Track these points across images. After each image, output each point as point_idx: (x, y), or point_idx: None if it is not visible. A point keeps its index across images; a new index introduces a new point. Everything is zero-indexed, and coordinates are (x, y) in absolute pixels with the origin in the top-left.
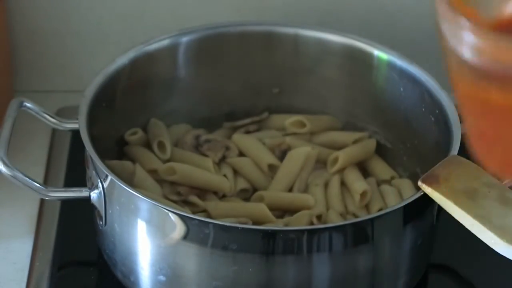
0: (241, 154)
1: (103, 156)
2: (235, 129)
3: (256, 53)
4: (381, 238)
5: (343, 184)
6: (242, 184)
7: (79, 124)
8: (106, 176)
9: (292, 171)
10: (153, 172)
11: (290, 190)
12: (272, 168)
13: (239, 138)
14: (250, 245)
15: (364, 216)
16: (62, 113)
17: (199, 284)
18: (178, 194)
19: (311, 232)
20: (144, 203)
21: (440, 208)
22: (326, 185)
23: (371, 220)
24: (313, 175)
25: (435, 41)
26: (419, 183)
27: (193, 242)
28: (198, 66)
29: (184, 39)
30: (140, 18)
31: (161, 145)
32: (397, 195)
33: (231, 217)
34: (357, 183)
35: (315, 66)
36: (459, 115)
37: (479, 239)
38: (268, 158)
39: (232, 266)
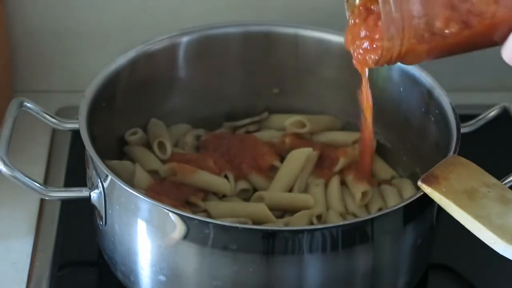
0: None
1: (103, 156)
2: (235, 129)
3: (256, 53)
4: (381, 238)
5: (343, 184)
6: (242, 184)
7: (79, 124)
8: (106, 176)
9: (292, 172)
10: (153, 172)
11: (290, 190)
12: (272, 168)
13: None
14: (250, 245)
15: (364, 216)
16: (62, 113)
17: (199, 284)
18: None
19: (311, 232)
20: (144, 203)
21: (440, 208)
22: (326, 185)
23: (371, 220)
24: (313, 175)
25: None
26: (419, 183)
27: (193, 242)
28: (198, 66)
29: (184, 39)
30: (140, 18)
31: (161, 145)
32: (397, 195)
33: (231, 217)
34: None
35: (315, 66)
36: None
37: (479, 239)
38: (268, 158)
39: (232, 266)
